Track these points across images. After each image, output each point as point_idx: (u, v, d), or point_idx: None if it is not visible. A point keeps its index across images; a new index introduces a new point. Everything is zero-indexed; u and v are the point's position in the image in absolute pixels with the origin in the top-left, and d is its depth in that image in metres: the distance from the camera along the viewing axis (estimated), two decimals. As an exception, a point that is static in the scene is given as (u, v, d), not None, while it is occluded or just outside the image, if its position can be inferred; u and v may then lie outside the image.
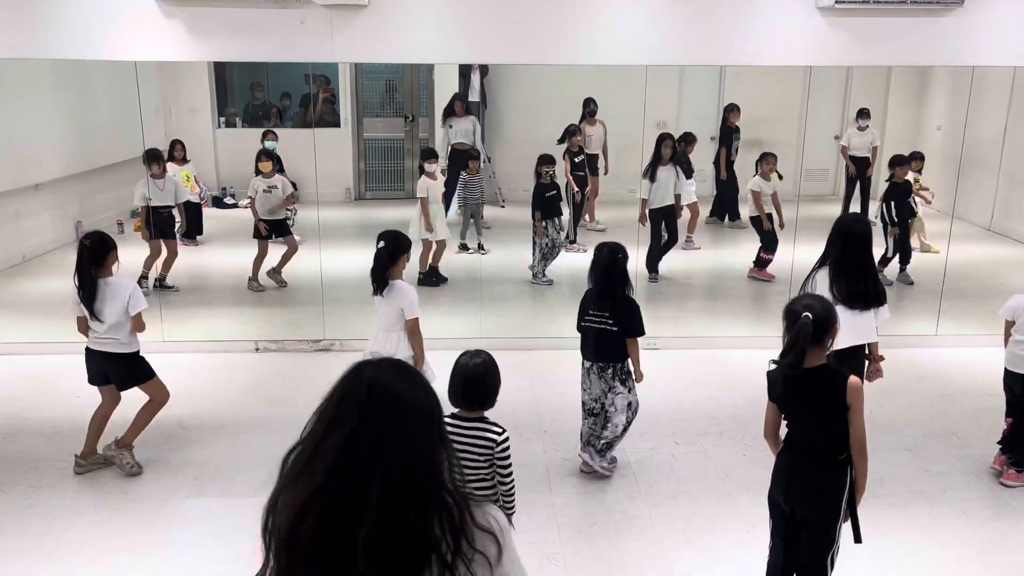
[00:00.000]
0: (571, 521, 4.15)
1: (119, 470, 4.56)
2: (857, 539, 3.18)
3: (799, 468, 3.13)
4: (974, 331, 6.55)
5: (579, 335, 4.55)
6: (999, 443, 4.60)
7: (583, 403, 4.60)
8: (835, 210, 9.40)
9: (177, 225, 7.74)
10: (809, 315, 2.99)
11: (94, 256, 4.35)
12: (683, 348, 6.36)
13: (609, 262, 4.37)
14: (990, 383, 4.58)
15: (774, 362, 3.10)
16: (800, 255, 6.94)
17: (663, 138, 7.86)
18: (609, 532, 4.10)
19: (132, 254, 6.50)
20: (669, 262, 8.08)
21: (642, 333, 4.39)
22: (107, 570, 3.80)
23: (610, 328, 4.39)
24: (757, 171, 7.96)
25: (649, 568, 3.83)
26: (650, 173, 7.78)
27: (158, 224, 7.35)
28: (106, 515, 4.24)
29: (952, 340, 6.55)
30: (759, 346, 6.28)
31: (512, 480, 3.12)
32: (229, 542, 3.99)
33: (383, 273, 4.40)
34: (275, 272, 7.73)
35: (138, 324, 4.48)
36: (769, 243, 7.90)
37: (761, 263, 8.06)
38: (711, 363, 6.22)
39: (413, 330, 4.42)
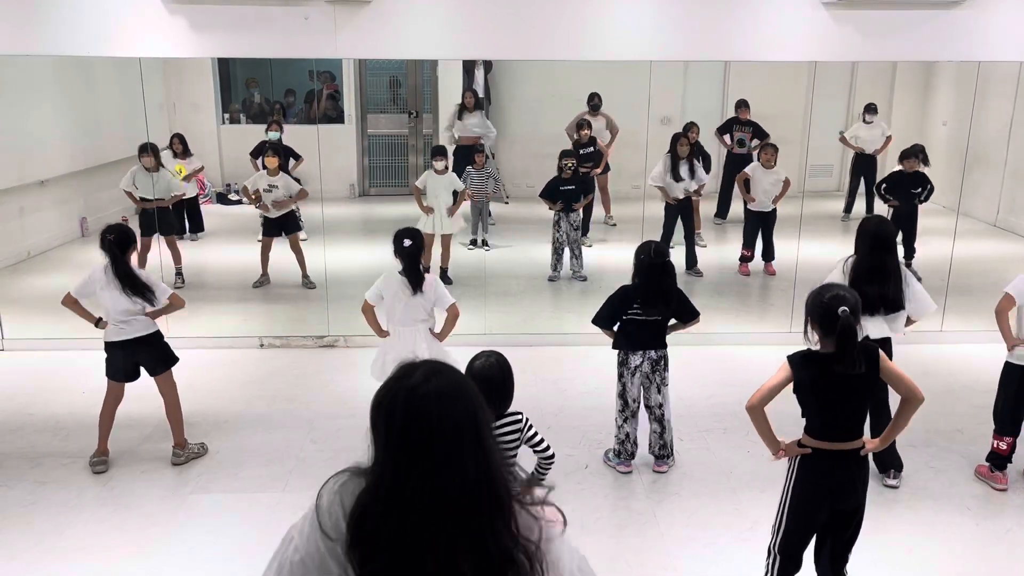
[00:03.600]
0: (574, 517, 4.09)
1: (173, 461, 4.69)
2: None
3: (843, 464, 3.07)
4: (979, 327, 6.52)
5: (603, 330, 4.55)
6: None
7: (626, 405, 4.56)
8: (839, 206, 9.41)
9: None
10: (846, 308, 2.93)
11: (121, 247, 4.42)
12: (687, 344, 6.34)
13: (661, 264, 4.37)
14: (994, 379, 4.56)
15: (823, 359, 3.01)
16: (804, 251, 6.94)
17: (677, 137, 7.90)
18: (612, 528, 4.11)
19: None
20: (672, 259, 8.09)
21: (699, 314, 4.57)
22: (111, 565, 3.81)
23: (655, 318, 4.44)
24: (758, 160, 8.08)
25: (652, 564, 3.83)
26: (671, 172, 7.81)
27: (148, 220, 7.28)
28: (110, 511, 4.26)
29: (957, 336, 6.54)
30: (763, 343, 6.34)
31: (548, 450, 3.29)
32: (232, 537, 4.00)
33: (419, 269, 4.44)
34: (304, 277, 7.71)
35: (177, 302, 4.61)
36: (749, 239, 8.14)
37: (742, 258, 8.24)
38: (715, 360, 6.22)
39: (456, 314, 4.58)
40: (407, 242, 4.39)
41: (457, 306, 4.58)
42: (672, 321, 4.56)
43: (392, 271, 4.53)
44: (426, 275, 4.52)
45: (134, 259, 4.57)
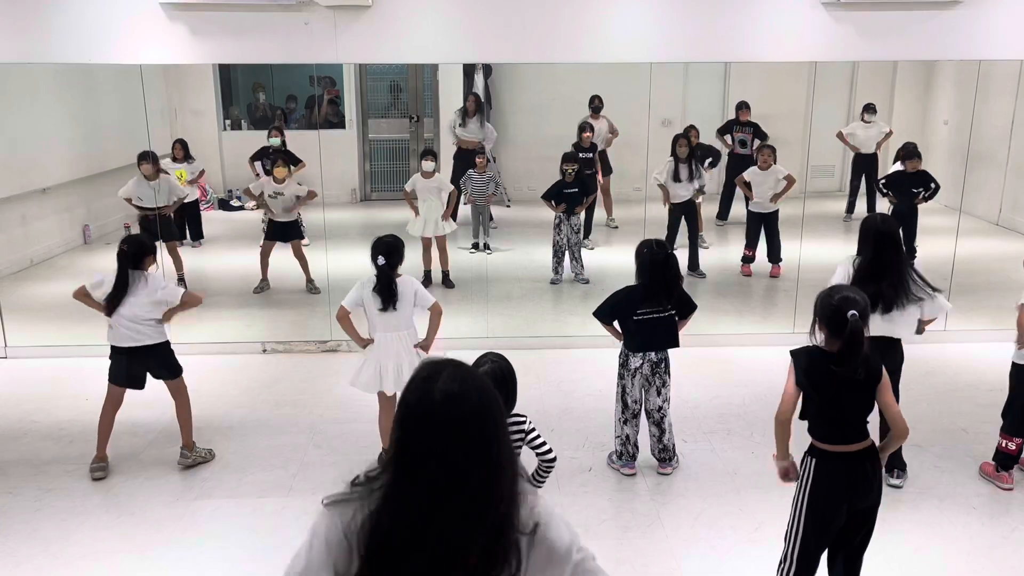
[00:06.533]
0: (579, 519, 4.14)
1: (179, 465, 4.71)
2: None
3: (858, 462, 3.06)
4: (982, 326, 6.53)
5: (602, 323, 4.54)
6: None
7: (625, 407, 4.56)
8: (841, 206, 9.40)
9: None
10: (856, 312, 2.92)
11: (134, 259, 4.47)
12: (690, 346, 6.33)
13: (663, 259, 4.37)
14: (999, 378, 4.55)
15: (832, 364, 3.00)
16: (806, 251, 6.94)
17: (677, 138, 7.92)
18: (617, 530, 4.10)
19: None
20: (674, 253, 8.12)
21: (696, 306, 4.59)
22: (116, 571, 3.82)
23: (668, 314, 4.43)
24: (756, 162, 8.10)
25: (657, 565, 3.83)
26: (672, 173, 7.83)
27: (148, 228, 7.26)
28: (115, 517, 4.26)
29: (960, 335, 6.52)
30: (766, 343, 6.33)
31: (550, 452, 3.28)
32: (237, 542, 4.01)
33: (391, 286, 4.38)
34: (308, 282, 7.73)
35: (192, 300, 4.62)
36: (751, 239, 8.17)
37: (744, 259, 8.26)
38: (718, 361, 6.21)
39: (439, 312, 4.50)
40: (380, 260, 4.32)
41: (439, 305, 4.50)
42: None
43: (369, 279, 4.42)
44: (400, 279, 4.41)
45: (151, 269, 4.61)
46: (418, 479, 1.51)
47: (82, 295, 4.57)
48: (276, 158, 7.69)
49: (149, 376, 4.68)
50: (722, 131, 9.17)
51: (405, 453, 1.54)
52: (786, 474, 3.24)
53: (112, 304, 4.46)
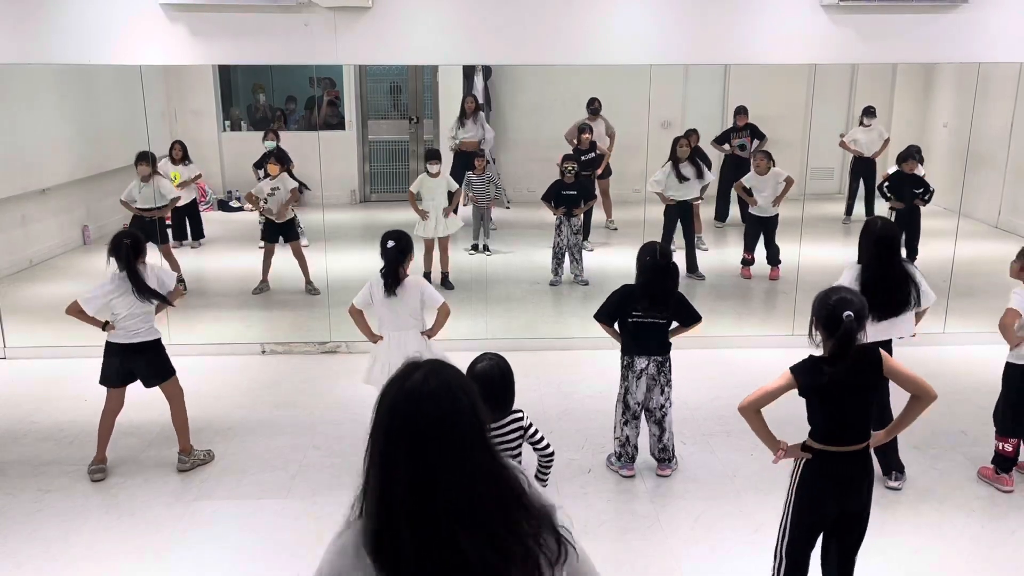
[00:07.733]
0: (578, 521, 4.09)
1: (179, 468, 4.70)
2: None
3: (847, 465, 3.07)
4: (981, 328, 6.52)
5: (602, 326, 4.56)
6: None
7: (627, 408, 4.56)
8: (840, 208, 9.40)
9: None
10: (851, 313, 2.93)
11: (135, 250, 4.46)
12: (689, 348, 6.34)
13: (664, 267, 4.37)
14: (998, 380, 4.55)
15: (821, 362, 3.02)
16: (805, 253, 6.95)
17: (677, 140, 7.94)
18: (616, 532, 4.10)
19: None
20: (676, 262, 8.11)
21: (700, 318, 4.54)
22: (116, 572, 3.82)
23: (660, 321, 4.44)
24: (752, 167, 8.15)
25: (656, 567, 3.83)
26: (675, 174, 7.85)
27: (142, 229, 7.21)
28: (115, 518, 4.26)
29: (960, 337, 6.54)
30: (765, 345, 6.34)
31: (548, 448, 3.32)
32: (237, 544, 4.01)
33: (396, 271, 4.42)
34: (307, 283, 7.75)
35: (178, 293, 4.70)
36: (749, 243, 8.21)
37: (743, 262, 8.29)
38: (718, 363, 6.21)
39: (447, 312, 4.53)
40: (389, 243, 4.39)
41: (448, 305, 4.54)
42: (673, 324, 4.55)
43: (377, 278, 4.48)
44: (408, 278, 4.46)
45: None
46: (390, 478, 1.50)
47: (76, 312, 4.41)
48: (272, 159, 7.74)
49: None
50: (719, 140, 9.18)
51: (378, 450, 1.53)
52: (788, 453, 3.20)
53: (141, 291, 4.43)
